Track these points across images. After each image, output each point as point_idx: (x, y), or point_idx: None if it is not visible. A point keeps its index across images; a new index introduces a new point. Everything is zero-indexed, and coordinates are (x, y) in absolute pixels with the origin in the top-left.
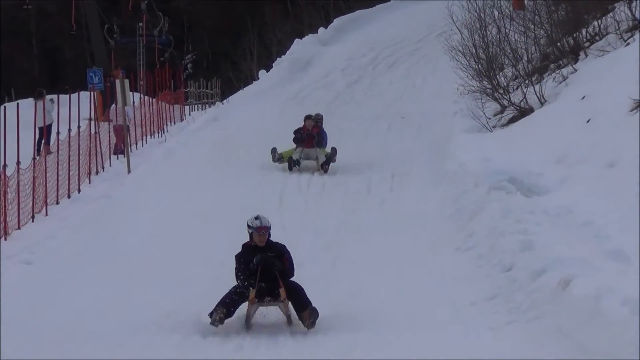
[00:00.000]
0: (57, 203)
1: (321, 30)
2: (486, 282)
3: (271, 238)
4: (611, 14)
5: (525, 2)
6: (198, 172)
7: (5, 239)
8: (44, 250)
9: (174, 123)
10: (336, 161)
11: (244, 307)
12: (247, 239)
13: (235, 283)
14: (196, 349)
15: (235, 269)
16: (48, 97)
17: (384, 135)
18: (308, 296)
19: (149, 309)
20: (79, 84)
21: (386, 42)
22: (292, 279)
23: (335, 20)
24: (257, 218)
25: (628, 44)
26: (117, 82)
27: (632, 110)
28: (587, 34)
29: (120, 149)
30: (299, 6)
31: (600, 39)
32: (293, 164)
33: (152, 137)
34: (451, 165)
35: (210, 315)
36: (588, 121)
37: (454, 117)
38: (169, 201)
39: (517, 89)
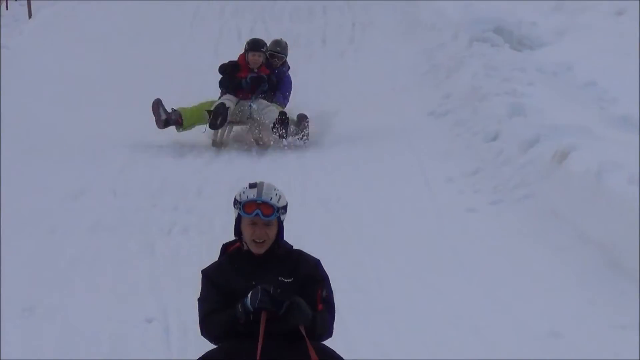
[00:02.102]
0: None
1: None
2: (466, 154)
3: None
4: None
5: None
6: (121, 17)
7: None
8: None
9: None
10: (307, 139)
11: None
12: None
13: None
14: None
15: (200, 305)
16: None
17: None
18: None
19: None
20: None
21: None
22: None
23: None
24: (253, 186)
25: None
26: None
27: None
28: None
29: None
30: None
31: None
32: (219, 119)
33: None
34: (425, 13)
35: None
36: None
37: None
38: (81, 56)
39: None
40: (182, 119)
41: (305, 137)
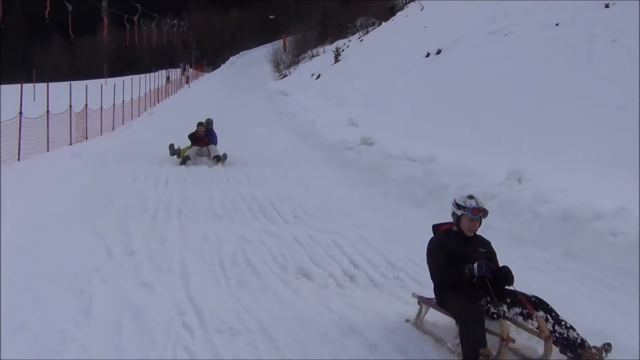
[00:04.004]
0: (172, 94)
1: (233, 57)
2: (278, 121)
3: None
4: (312, 51)
5: (286, 47)
6: (209, 88)
7: (155, 105)
8: (161, 108)
9: (202, 75)
10: (223, 164)
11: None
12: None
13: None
14: None
15: (433, 259)
16: (163, 70)
17: (249, 80)
18: None
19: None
20: (175, 65)
21: (253, 59)
22: None
23: (240, 53)
24: (471, 197)
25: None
26: (187, 66)
27: (314, 77)
28: (303, 56)
29: (188, 82)
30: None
31: (309, 59)
32: (186, 160)
33: (195, 80)
34: (267, 89)
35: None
36: (301, 78)
37: (269, 77)
38: (203, 93)
39: (285, 69)
40: (179, 154)
41: (222, 163)
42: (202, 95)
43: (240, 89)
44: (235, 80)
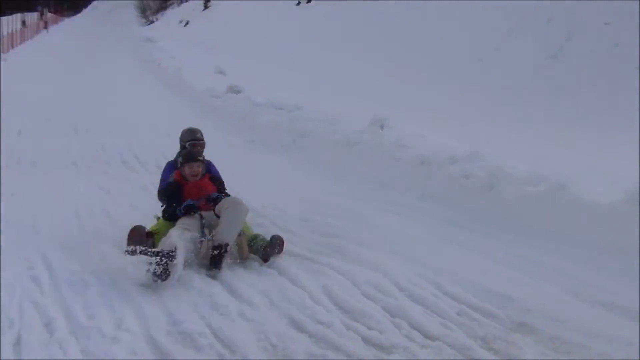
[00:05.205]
0: (28, 40)
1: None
2: (143, 69)
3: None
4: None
5: None
6: (70, 34)
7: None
8: (17, 55)
9: (63, 20)
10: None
11: None
12: None
13: None
14: None
15: None
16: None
17: (113, 26)
18: None
19: None
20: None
21: (118, 4)
22: None
23: None
24: None
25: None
26: (45, 10)
27: (182, 24)
28: (171, 2)
29: (47, 27)
30: None
31: (177, 5)
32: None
33: (54, 25)
34: (133, 36)
35: None
36: (168, 25)
37: (135, 23)
38: (64, 39)
39: (152, 15)
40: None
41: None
42: (63, 41)
43: (103, 35)
44: (98, 25)
